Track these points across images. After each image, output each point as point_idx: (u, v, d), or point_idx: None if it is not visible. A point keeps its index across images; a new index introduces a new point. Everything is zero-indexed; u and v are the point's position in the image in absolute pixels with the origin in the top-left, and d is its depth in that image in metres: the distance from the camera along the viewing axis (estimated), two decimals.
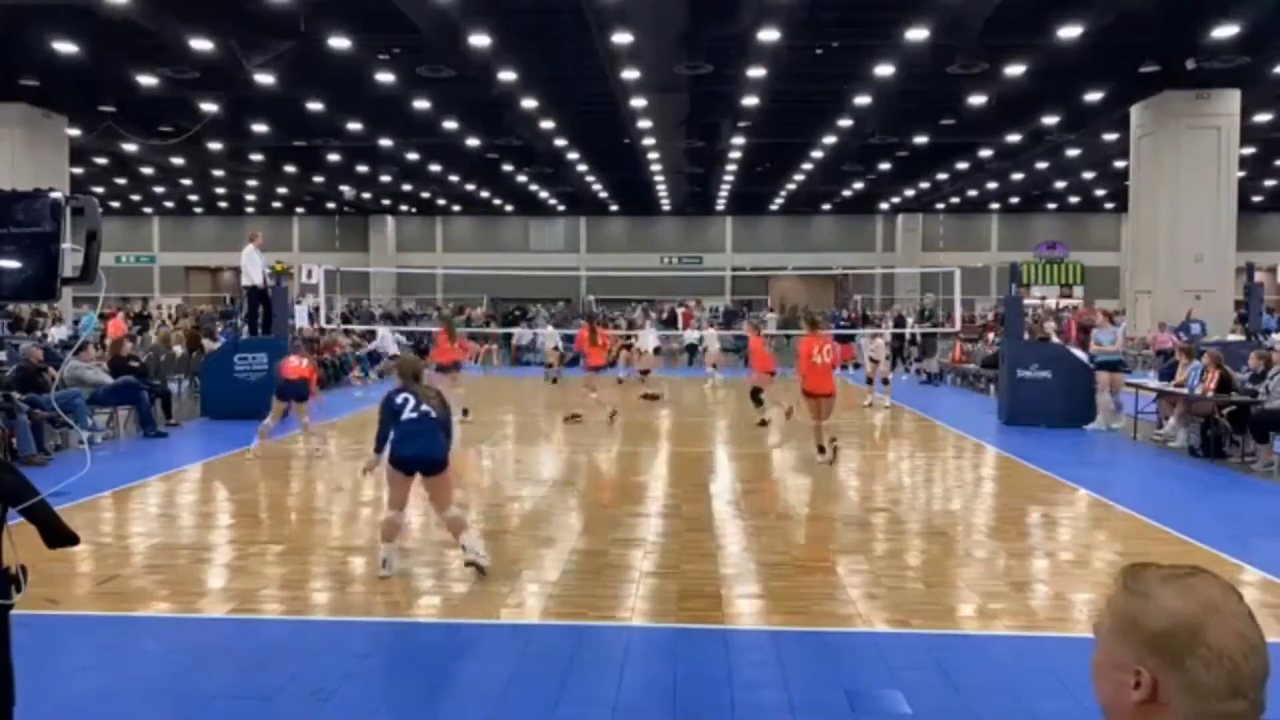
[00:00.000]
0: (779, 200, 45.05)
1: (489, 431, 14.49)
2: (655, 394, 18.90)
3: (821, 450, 11.22)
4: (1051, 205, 47.55)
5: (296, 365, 12.21)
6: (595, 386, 15.84)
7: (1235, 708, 1.24)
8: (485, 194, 43.79)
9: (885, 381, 18.61)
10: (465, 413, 14.54)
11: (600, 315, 19.95)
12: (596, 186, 41.04)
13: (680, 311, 35.09)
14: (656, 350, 19.92)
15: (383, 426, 6.62)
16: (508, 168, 35.40)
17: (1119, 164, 30.39)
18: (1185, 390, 12.50)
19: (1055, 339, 18.07)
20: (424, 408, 6.56)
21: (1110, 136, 28.29)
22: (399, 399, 6.62)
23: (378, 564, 6.66)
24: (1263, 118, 26.07)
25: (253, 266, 16.64)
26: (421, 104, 24.36)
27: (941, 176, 37.86)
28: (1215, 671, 1.24)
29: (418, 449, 6.47)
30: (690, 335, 30.75)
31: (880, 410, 17.29)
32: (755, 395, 15.00)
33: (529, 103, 24.26)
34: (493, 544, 7.69)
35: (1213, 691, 1.24)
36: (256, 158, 34.25)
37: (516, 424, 15.89)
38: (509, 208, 48.76)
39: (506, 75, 21.19)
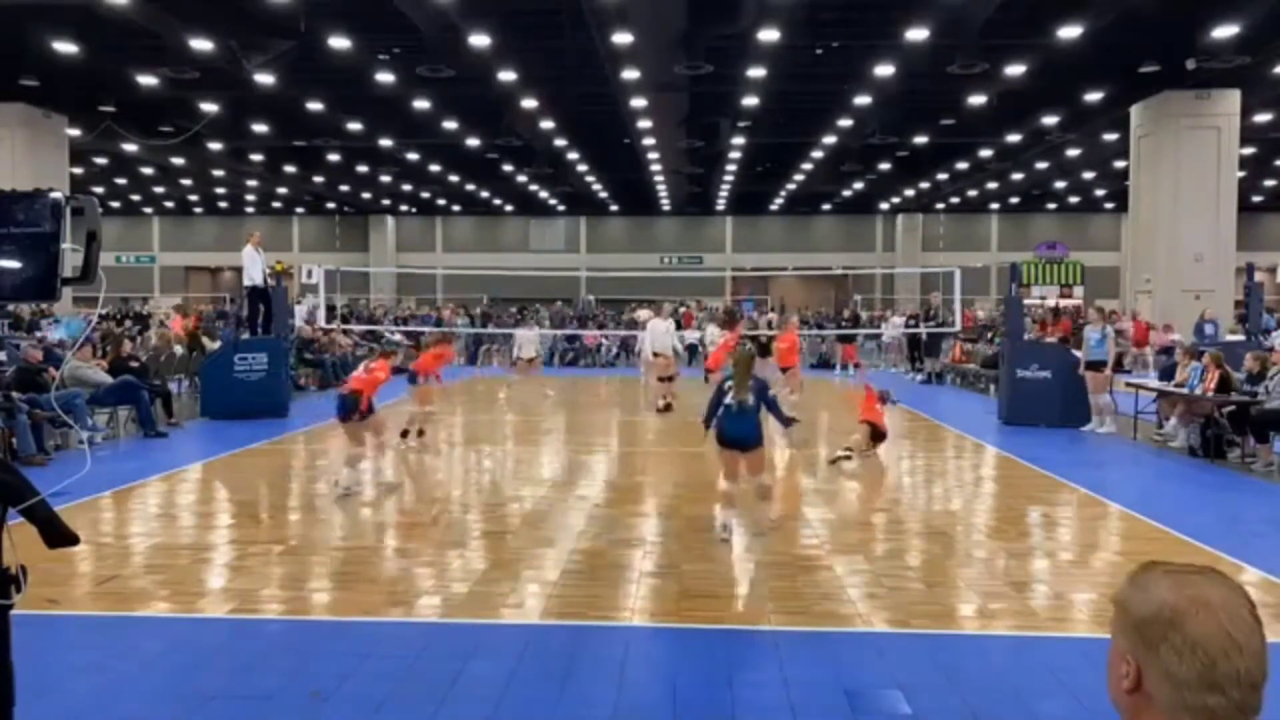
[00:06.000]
0: (779, 200, 45.02)
1: (488, 432, 14.48)
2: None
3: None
4: (1051, 205, 47.53)
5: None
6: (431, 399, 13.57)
7: (1210, 702, 1.25)
8: (485, 194, 43.78)
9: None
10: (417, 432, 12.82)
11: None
12: (596, 186, 41.02)
13: (680, 312, 35.04)
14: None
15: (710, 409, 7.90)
16: (508, 168, 35.40)
17: (1119, 164, 30.37)
18: (1185, 390, 12.50)
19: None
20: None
21: (1110, 136, 28.27)
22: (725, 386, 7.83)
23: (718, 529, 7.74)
24: (1263, 118, 26.06)
25: (253, 266, 16.65)
26: (421, 104, 24.36)
27: (941, 176, 37.84)
28: (1187, 662, 1.25)
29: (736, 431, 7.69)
30: (690, 336, 30.72)
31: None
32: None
33: (529, 103, 24.25)
34: (494, 543, 7.70)
35: (1185, 682, 1.25)
36: (256, 158, 34.23)
37: (516, 424, 15.87)
38: (509, 207, 48.75)
39: (506, 75, 21.17)
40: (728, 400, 7.68)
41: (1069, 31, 17.80)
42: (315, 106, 24.78)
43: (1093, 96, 23.83)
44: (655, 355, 17.23)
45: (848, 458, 11.48)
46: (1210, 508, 9.32)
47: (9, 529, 2.42)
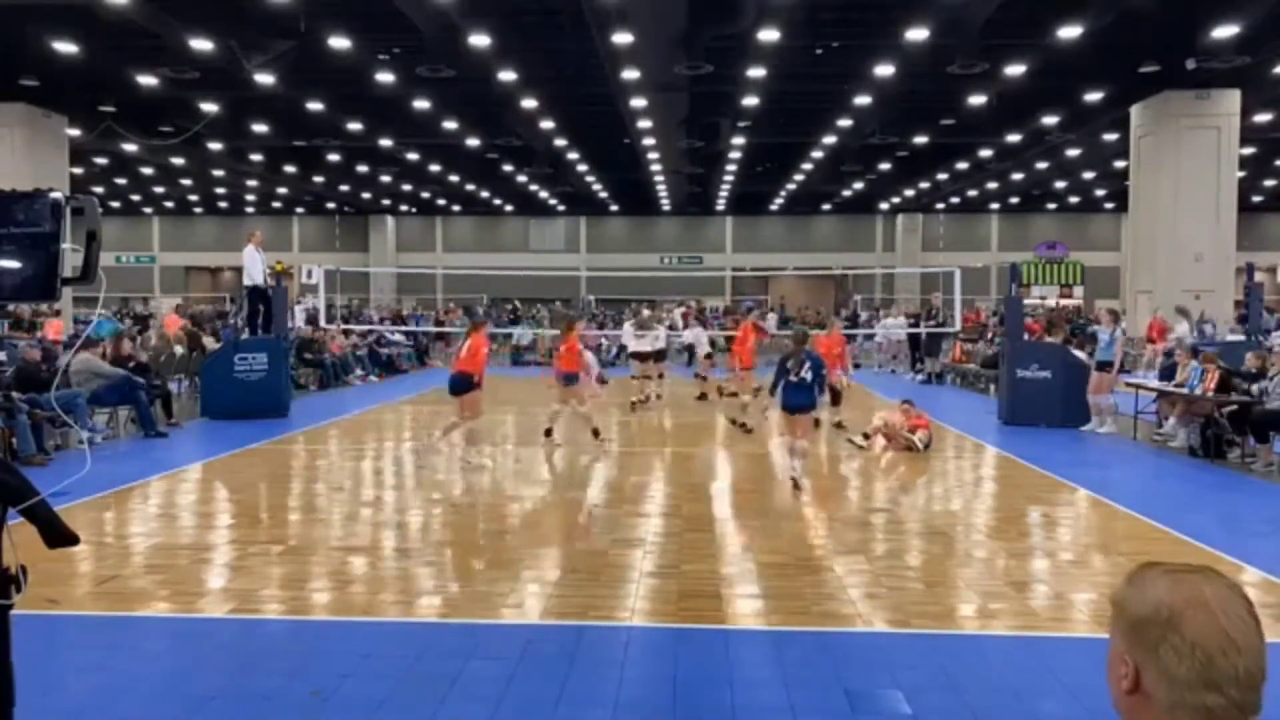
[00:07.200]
0: (779, 200, 45.01)
1: (489, 431, 14.46)
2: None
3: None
4: (1051, 205, 47.52)
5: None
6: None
7: (1209, 701, 1.25)
8: (485, 194, 43.79)
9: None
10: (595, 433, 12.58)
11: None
12: (596, 186, 41.02)
13: (679, 312, 34.97)
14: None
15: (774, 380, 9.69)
16: (508, 168, 35.40)
17: (1119, 164, 30.35)
18: (1185, 390, 12.50)
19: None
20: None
21: (1110, 136, 28.26)
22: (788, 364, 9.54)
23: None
24: (1263, 118, 26.04)
25: (253, 266, 16.65)
26: (421, 104, 24.35)
27: (941, 176, 37.83)
28: (1186, 662, 1.25)
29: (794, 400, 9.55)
30: (689, 335, 30.69)
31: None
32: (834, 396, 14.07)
33: (529, 103, 24.25)
34: (493, 543, 7.71)
35: (1184, 682, 1.25)
36: (256, 158, 34.23)
37: (517, 424, 15.86)
38: (509, 207, 48.75)
39: (506, 75, 21.17)
40: (790, 377, 9.42)
41: (1069, 31, 17.79)
42: (315, 106, 24.77)
43: (1093, 96, 23.83)
44: (636, 355, 18.05)
45: (862, 446, 12.58)
46: (1210, 507, 9.32)
47: (9, 529, 2.42)
